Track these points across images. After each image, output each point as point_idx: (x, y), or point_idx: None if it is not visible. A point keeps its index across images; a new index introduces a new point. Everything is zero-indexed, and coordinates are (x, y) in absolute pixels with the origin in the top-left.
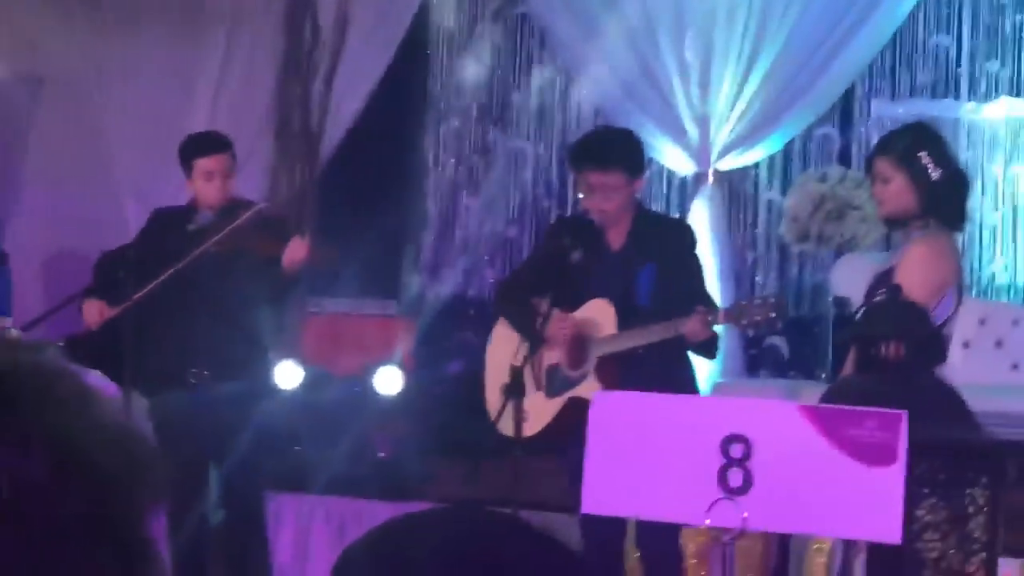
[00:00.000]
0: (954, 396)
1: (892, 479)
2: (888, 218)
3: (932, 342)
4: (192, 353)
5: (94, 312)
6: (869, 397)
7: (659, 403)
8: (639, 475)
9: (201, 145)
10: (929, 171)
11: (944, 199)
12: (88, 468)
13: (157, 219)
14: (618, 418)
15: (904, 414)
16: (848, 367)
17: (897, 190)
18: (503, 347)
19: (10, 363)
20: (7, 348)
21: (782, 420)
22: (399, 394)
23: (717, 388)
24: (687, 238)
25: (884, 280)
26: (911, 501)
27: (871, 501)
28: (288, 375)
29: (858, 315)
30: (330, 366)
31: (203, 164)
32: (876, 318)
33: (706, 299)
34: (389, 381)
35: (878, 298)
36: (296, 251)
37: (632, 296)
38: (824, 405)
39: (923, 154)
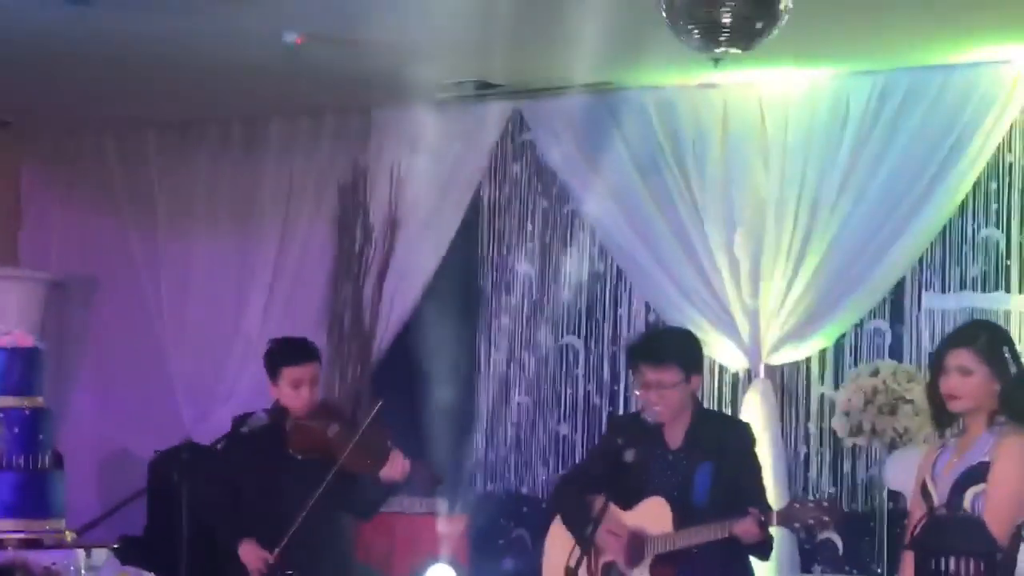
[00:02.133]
0: None
1: None
2: (965, 411)
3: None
4: (279, 560)
5: (252, 556)
6: None
7: None
8: None
9: (291, 353)
10: (1009, 365)
11: (1021, 394)
12: None
13: (239, 426)
14: None
15: None
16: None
17: (978, 383)
18: (560, 545)
19: None
20: None
21: None
22: None
23: None
24: (746, 437)
25: (978, 475)
26: None
27: None
28: None
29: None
30: (382, 566)
31: (291, 372)
32: (940, 533)
33: (762, 500)
34: None
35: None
36: (396, 468)
37: (689, 495)
38: None
39: (1005, 348)
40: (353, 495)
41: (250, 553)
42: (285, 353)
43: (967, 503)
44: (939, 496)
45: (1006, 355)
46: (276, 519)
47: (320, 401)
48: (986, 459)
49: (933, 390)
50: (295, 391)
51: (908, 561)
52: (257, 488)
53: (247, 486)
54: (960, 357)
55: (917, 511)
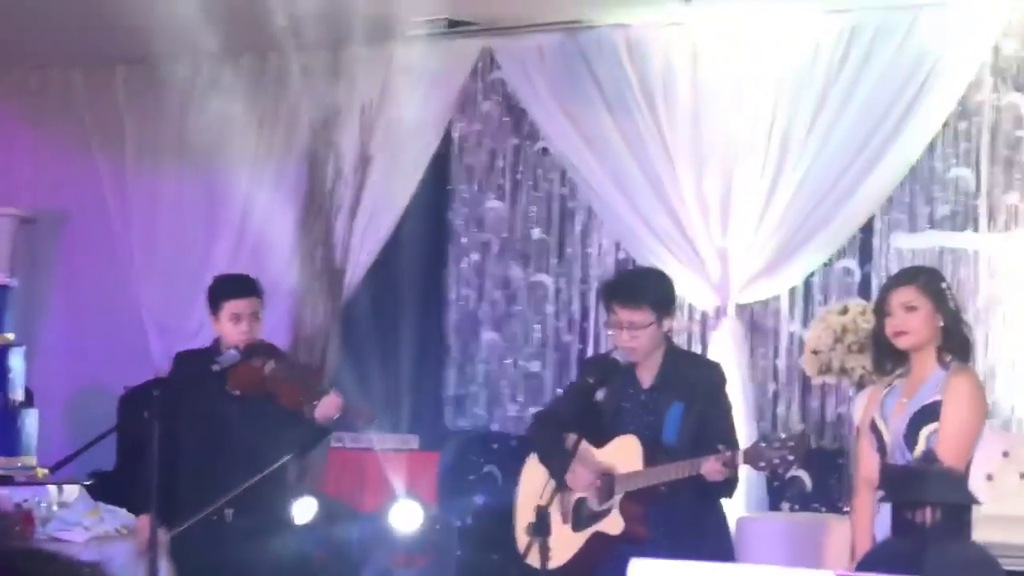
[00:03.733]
0: (993, 563)
1: None
2: (912, 347)
3: (967, 508)
4: (218, 492)
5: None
6: (907, 563)
7: (697, 571)
8: None
9: (230, 287)
10: (950, 302)
11: (960, 332)
12: None
13: (181, 361)
14: None
15: None
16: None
17: (925, 318)
18: (533, 482)
19: None
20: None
21: None
22: (420, 529)
23: (740, 523)
24: (717, 377)
25: (930, 413)
26: None
27: None
28: (304, 510)
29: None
30: (353, 501)
31: (231, 306)
32: (915, 485)
33: (731, 440)
34: (407, 516)
35: (919, 460)
36: (329, 408)
37: (659, 434)
38: (863, 574)
39: (943, 284)
40: (290, 433)
41: (143, 525)
42: (226, 287)
43: (921, 442)
44: (891, 435)
45: (945, 290)
46: (213, 456)
47: (258, 339)
48: (938, 398)
49: (878, 333)
50: (235, 325)
51: (864, 500)
52: (195, 425)
53: (186, 423)
54: (904, 295)
55: (867, 450)
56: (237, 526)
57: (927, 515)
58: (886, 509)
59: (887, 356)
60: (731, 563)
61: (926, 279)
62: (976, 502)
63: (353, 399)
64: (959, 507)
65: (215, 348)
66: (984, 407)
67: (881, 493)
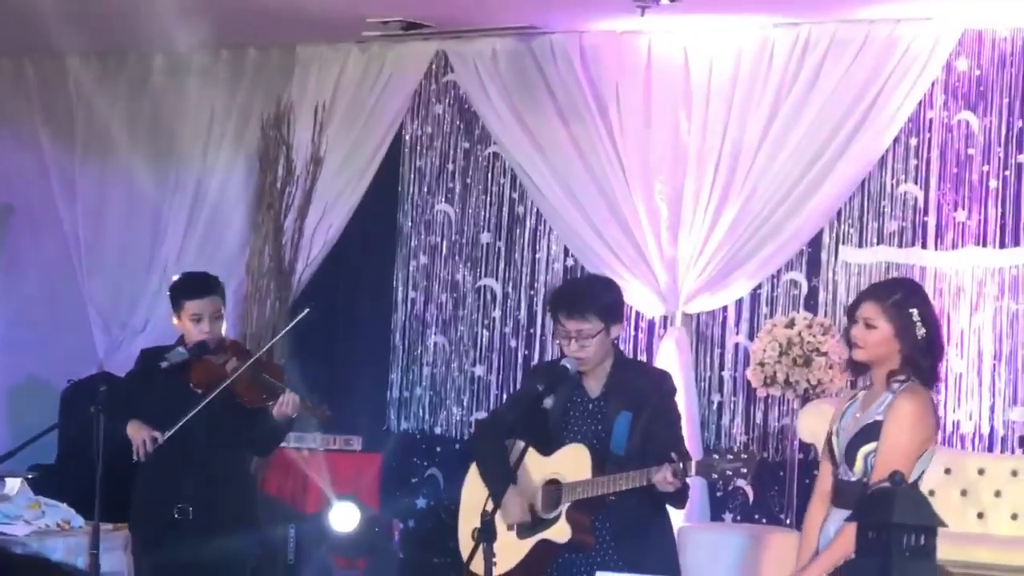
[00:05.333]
0: None
1: None
2: (861, 362)
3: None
4: (178, 491)
5: (139, 431)
6: None
7: None
8: None
9: (191, 287)
10: (916, 328)
11: (924, 358)
12: None
13: (146, 358)
14: None
15: None
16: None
17: (881, 338)
18: (478, 487)
19: None
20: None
21: None
22: (360, 531)
23: (681, 532)
24: (665, 387)
25: (871, 433)
26: None
27: None
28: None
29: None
30: (295, 502)
31: (191, 306)
32: (882, 506)
33: (681, 449)
34: (345, 517)
35: (882, 483)
36: (287, 407)
37: (608, 443)
38: None
39: (914, 311)
40: (251, 431)
41: (138, 429)
42: (186, 287)
43: (859, 461)
44: (839, 450)
45: (914, 318)
46: (174, 454)
47: (222, 337)
48: (880, 418)
49: (846, 336)
50: (196, 325)
51: (815, 511)
52: (157, 422)
53: (148, 420)
54: (867, 310)
55: (824, 462)
56: (198, 525)
57: (892, 536)
58: (831, 521)
59: (852, 361)
60: (676, 574)
61: (896, 300)
62: (943, 524)
63: (307, 398)
64: (925, 528)
65: (175, 346)
66: (926, 431)
67: (843, 510)
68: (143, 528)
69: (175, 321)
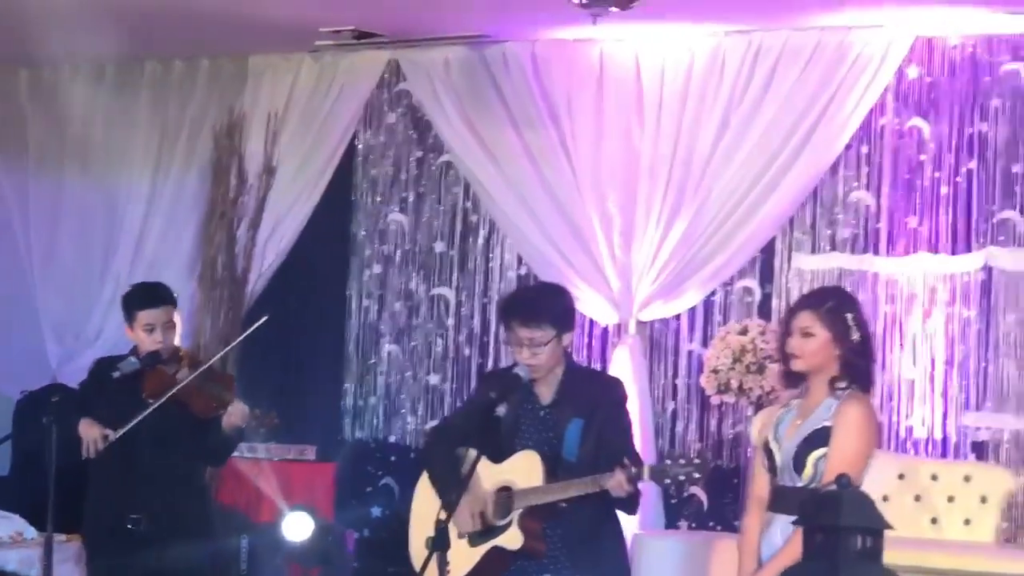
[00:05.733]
0: None
1: None
2: (803, 372)
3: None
4: (131, 501)
5: (90, 428)
6: None
7: None
8: None
9: (143, 297)
10: (852, 333)
11: (862, 362)
12: None
13: (99, 368)
14: None
15: None
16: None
17: (818, 346)
18: (429, 495)
19: None
20: None
21: None
22: (314, 540)
23: (636, 539)
24: (617, 394)
25: (819, 439)
26: None
27: None
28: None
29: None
30: (248, 511)
31: (144, 316)
32: (829, 509)
33: (632, 455)
34: (298, 526)
35: (828, 486)
36: (235, 417)
37: (559, 450)
38: None
39: (849, 316)
40: (204, 441)
41: (89, 427)
42: (138, 297)
43: (809, 467)
44: (782, 456)
45: (849, 322)
46: (126, 465)
47: (175, 347)
48: (828, 424)
49: (780, 350)
50: (149, 335)
51: (752, 519)
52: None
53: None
54: (803, 319)
55: (759, 470)
56: (153, 535)
57: (839, 539)
58: (775, 528)
59: (788, 373)
60: None
61: (831, 306)
62: (889, 527)
63: (256, 407)
64: (872, 531)
65: (128, 356)
66: (874, 436)
67: (786, 516)
68: (96, 539)
69: (128, 331)
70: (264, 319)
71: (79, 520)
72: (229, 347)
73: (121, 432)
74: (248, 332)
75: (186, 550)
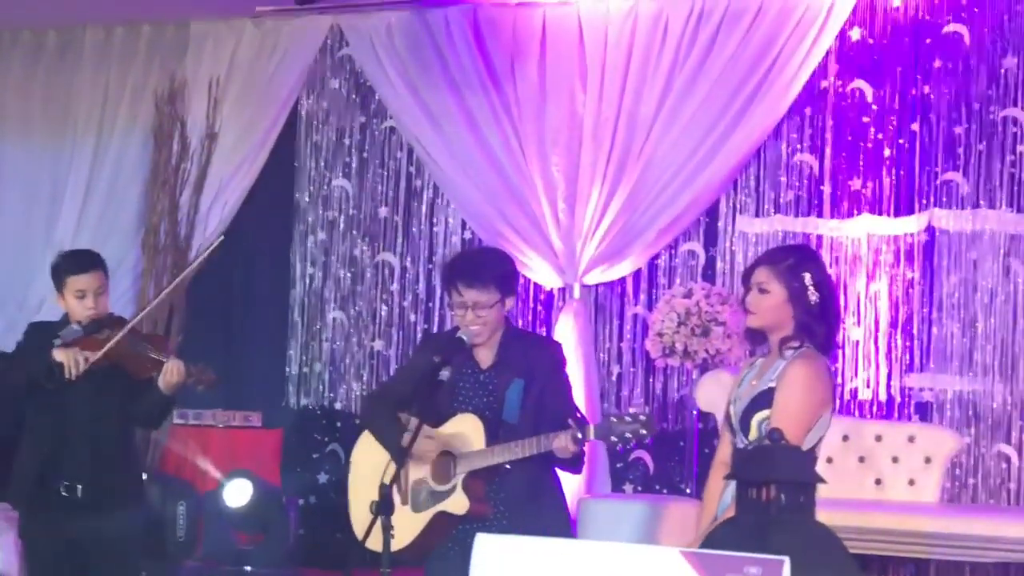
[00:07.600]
0: (835, 540)
1: None
2: (757, 329)
3: (811, 487)
4: (65, 466)
5: (68, 353)
6: (750, 539)
7: (540, 547)
8: None
9: (73, 263)
10: (809, 293)
11: (818, 324)
12: None
13: (33, 331)
14: (499, 562)
15: (785, 560)
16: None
17: (773, 303)
18: (368, 461)
19: None
20: None
21: (664, 564)
22: (259, 507)
23: (582, 503)
24: (555, 356)
25: (764, 400)
26: None
27: None
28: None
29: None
30: (194, 478)
31: (75, 282)
32: (760, 463)
33: (575, 415)
34: (240, 493)
35: (764, 441)
36: (172, 375)
37: (499, 413)
38: (706, 551)
39: (807, 275)
40: (139, 403)
41: (65, 350)
42: (68, 263)
43: (753, 429)
44: (735, 419)
45: (807, 282)
46: (62, 431)
47: (109, 314)
48: (772, 385)
49: (743, 305)
50: (80, 301)
51: (714, 481)
52: (43, 399)
53: (33, 397)
54: (760, 275)
55: (725, 432)
56: (87, 501)
57: (770, 492)
58: (730, 490)
59: (749, 330)
60: (573, 539)
61: (790, 264)
62: (821, 480)
63: (194, 365)
64: (803, 485)
65: (63, 324)
66: (819, 396)
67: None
68: (29, 505)
69: (59, 300)
70: (220, 239)
71: (5, 484)
72: (183, 275)
73: (98, 355)
74: (203, 256)
75: (121, 516)
